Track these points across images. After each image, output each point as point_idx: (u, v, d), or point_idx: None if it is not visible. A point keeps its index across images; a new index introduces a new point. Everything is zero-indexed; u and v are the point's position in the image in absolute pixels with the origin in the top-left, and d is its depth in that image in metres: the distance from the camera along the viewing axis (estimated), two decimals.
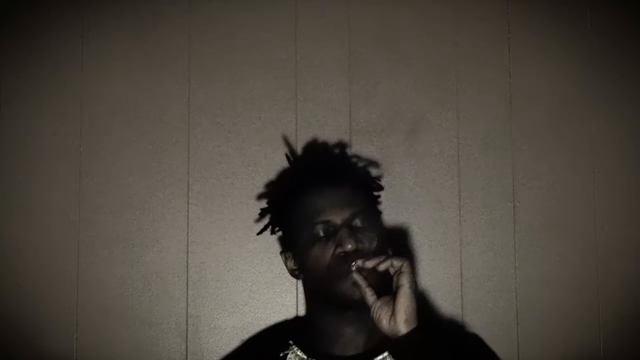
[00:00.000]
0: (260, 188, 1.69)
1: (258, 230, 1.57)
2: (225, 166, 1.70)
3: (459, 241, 1.69)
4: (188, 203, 1.68)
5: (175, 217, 1.68)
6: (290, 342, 1.41)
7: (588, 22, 1.75)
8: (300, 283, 1.58)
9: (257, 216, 1.65)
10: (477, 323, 1.66)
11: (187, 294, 1.66)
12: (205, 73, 1.72)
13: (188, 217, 1.68)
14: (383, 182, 1.62)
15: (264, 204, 1.62)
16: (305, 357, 1.38)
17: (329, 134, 1.71)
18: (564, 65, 1.74)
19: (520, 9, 1.74)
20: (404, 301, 1.24)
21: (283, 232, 1.51)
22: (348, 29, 1.74)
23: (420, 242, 1.68)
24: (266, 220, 1.56)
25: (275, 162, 1.69)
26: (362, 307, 1.29)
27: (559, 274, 1.68)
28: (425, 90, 1.72)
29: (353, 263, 1.31)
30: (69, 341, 1.64)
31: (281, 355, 1.39)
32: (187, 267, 1.67)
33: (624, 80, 1.73)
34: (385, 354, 1.36)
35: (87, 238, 1.67)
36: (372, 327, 1.35)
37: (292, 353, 1.39)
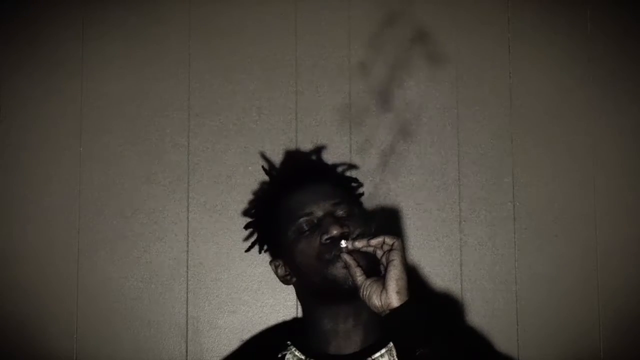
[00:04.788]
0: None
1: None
2: (225, 166, 1.70)
3: (459, 241, 1.69)
4: (188, 203, 1.68)
5: (175, 217, 1.68)
6: (288, 342, 1.41)
7: (588, 22, 1.75)
8: None
9: (244, 233, 1.64)
10: (477, 323, 1.66)
11: (187, 294, 1.66)
12: (205, 73, 1.72)
13: (188, 217, 1.68)
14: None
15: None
16: (303, 357, 1.38)
17: (329, 134, 1.71)
18: (564, 65, 1.74)
19: (520, 9, 1.74)
20: (395, 274, 1.24)
21: (270, 243, 1.51)
22: (348, 29, 1.74)
23: (420, 242, 1.68)
24: (253, 237, 1.57)
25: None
26: (356, 295, 1.29)
27: (559, 274, 1.68)
28: (425, 90, 1.72)
29: (342, 242, 1.31)
30: (69, 341, 1.64)
31: (279, 355, 1.39)
32: (187, 267, 1.67)
33: (624, 80, 1.73)
34: (383, 350, 1.36)
35: (87, 238, 1.67)
36: (368, 322, 1.36)
37: (290, 354, 1.39)
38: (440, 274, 1.68)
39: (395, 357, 1.34)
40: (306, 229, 1.37)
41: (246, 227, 1.59)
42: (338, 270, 1.32)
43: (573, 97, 1.73)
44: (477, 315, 1.67)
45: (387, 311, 1.23)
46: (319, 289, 1.36)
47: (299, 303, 1.61)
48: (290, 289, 1.51)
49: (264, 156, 1.70)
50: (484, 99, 1.73)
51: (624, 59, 1.73)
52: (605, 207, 1.70)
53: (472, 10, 1.75)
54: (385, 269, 1.26)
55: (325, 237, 1.34)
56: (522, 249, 1.69)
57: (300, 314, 1.62)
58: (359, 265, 1.29)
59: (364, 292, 1.27)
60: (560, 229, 1.69)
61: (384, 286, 1.24)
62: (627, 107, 1.72)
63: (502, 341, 1.65)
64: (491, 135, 1.72)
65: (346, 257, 1.30)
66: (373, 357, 1.35)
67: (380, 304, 1.24)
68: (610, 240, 1.69)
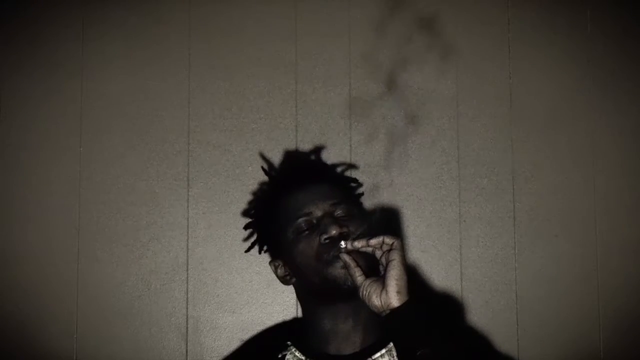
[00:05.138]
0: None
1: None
2: (225, 166, 1.70)
3: (459, 241, 1.69)
4: (188, 203, 1.68)
5: (175, 217, 1.68)
6: (288, 342, 1.41)
7: (588, 22, 1.75)
8: None
9: (244, 233, 1.64)
10: (477, 323, 1.66)
11: (187, 294, 1.66)
12: (205, 73, 1.72)
13: (188, 217, 1.68)
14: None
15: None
16: (303, 357, 1.38)
17: (329, 135, 1.71)
18: (564, 65, 1.74)
19: (520, 9, 1.74)
20: (395, 273, 1.24)
21: (270, 243, 1.51)
22: (348, 29, 1.74)
23: (421, 242, 1.68)
24: (253, 238, 1.57)
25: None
26: (356, 295, 1.29)
27: (559, 274, 1.68)
28: (425, 89, 1.72)
29: (341, 242, 1.31)
30: (69, 341, 1.64)
31: (279, 356, 1.39)
32: (187, 267, 1.67)
33: (624, 80, 1.73)
34: (383, 350, 1.36)
35: (87, 238, 1.67)
36: (368, 322, 1.36)
37: (290, 354, 1.39)
38: (440, 274, 1.68)
39: (395, 357, 1.34)
40: (305, 229, 1.37)
41: (246, 228, 1.59)
42: (337, 270, 1.32)
43: (573, 97, 1.73)
44: (477, 315, 1.67)
45: (387, 311, 1.23)
46: (319, 289, 1.36)
47: (299, 303, 1.61)
48: (290, 289, 1.51)
49: (263, 156, 1.70)
50: (484, 99, 1.73)
51: (624, 59, 1.73)
52: (605, 207, 1.70)
53: (472, 11, 1.75)
54: (385, 269, 1.26)
55: (325, 237, 1.34)
56: (522, 249, 1.69)
57: (300, 314, 1.63)
58: (358, 265, 1.29)
59: (364, 292, 1.27)
60: (560, 229, 1.69)
61: (384, 286, 1.24)
62: (627, 107, 1.73)
63: (502, 341, 1.65)
64: (491, 135, 1.72)
65: (345, 257, 1.30)
66: (373, 358, 1.35)
67: (380, 304, 1.24)
68: (610, 240, 1.69)
